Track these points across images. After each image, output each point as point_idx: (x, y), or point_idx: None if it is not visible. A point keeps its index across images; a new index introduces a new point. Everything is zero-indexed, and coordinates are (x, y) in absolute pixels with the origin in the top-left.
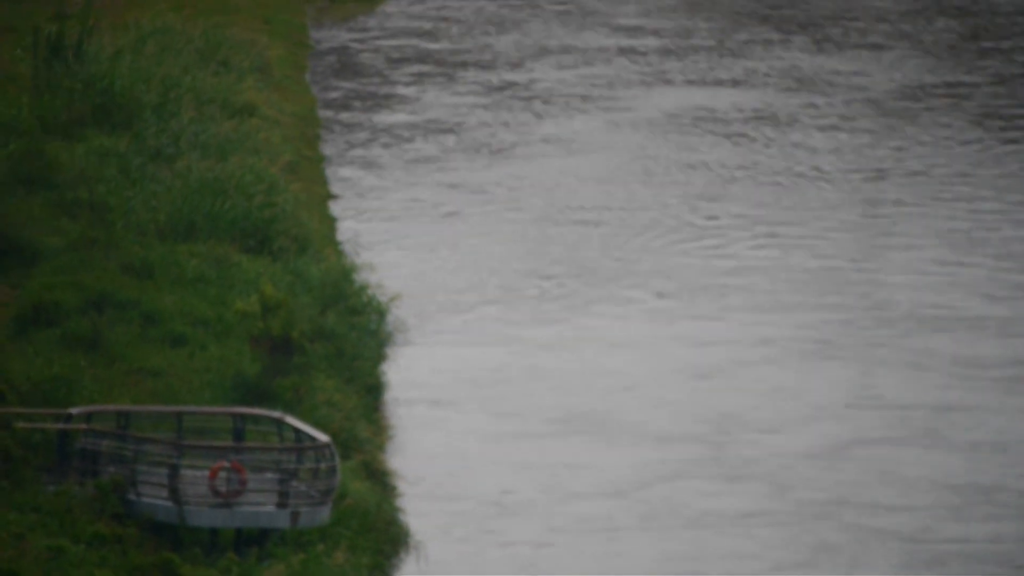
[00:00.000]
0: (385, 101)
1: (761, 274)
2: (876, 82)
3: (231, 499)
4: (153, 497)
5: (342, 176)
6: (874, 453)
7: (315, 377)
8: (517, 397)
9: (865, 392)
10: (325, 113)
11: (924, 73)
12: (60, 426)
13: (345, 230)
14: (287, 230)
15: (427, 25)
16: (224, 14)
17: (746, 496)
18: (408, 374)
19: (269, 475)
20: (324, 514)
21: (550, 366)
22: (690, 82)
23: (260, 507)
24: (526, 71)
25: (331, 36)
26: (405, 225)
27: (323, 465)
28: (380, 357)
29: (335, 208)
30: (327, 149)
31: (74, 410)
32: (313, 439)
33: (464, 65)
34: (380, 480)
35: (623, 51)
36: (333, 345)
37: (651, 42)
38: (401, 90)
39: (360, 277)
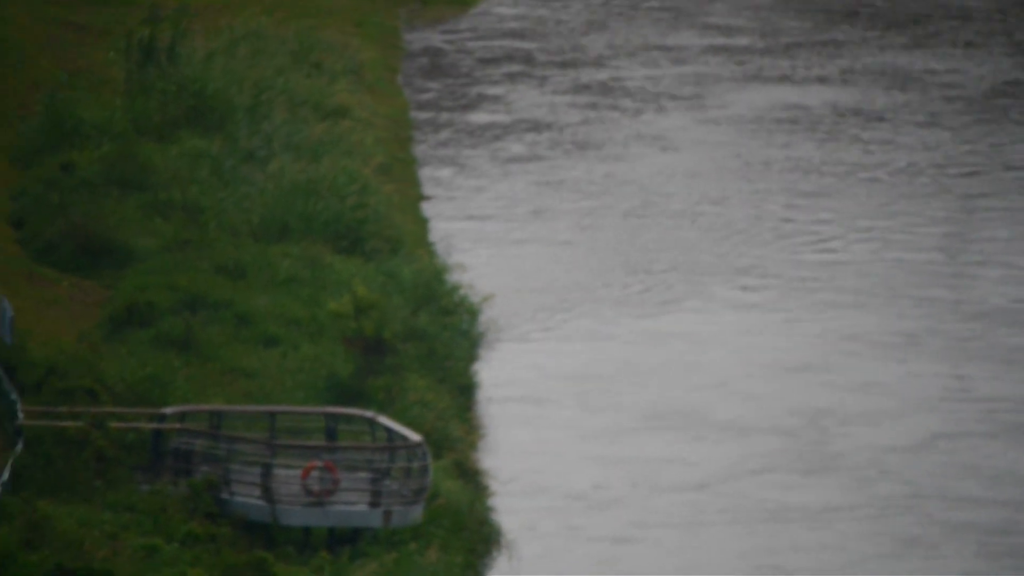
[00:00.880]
0: (476, 101)
1: (853, 269)
2: (970, 79)
3: (324, 498)
4: (246, 496)
5: (434, 177)
6: (960, 446)
7: (407, 377)
8: (608, 393)
9: (954, 386)
10: (417, 115)
11: (1018, 71)
12: (154, 426)
13: (437, 230)
14: (379, 231)
15: (518, 26)
16: (316, 17)
17: (831, 490)
18: (500, 372)
19: (361, 474)
20: (416, 513)
21: (641, 362)
22: (782, 79)
23: (352, 506)
24: (617, 69)
25: (423, 38)
26: (497, 224)
27: (415, 464)
28: (472, 357)
29: (427, 209)
30: (419, 150)
31: (168, 410)
32: (405, 438)
33: (555, 64)
34: (472, 479)
35: (714, 49)
36: (425, 345)
37: (742, 40)
38: (492, 90)
39: (452, 277)
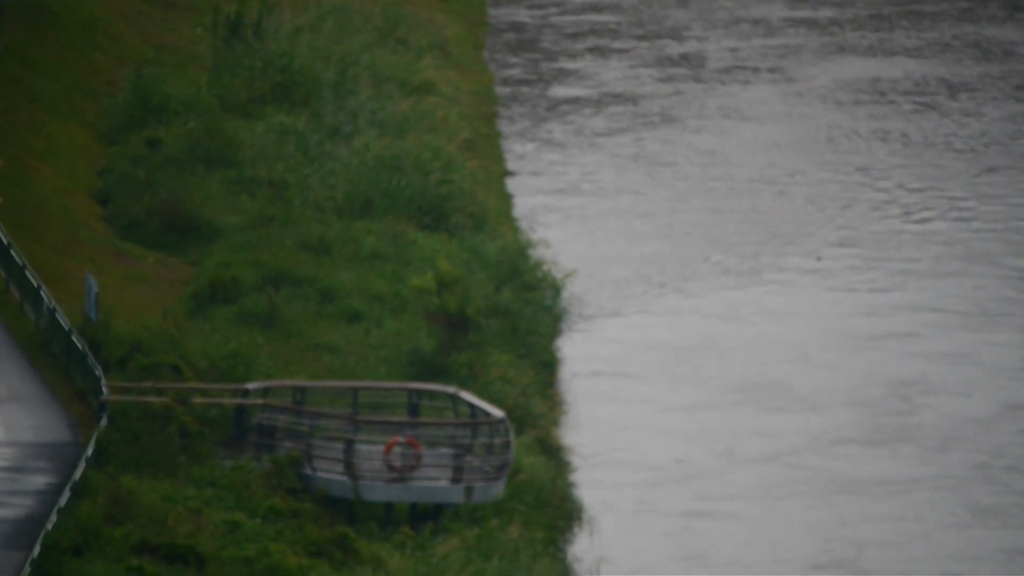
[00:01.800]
0: (561, 76)
1: (937, 240)
2: None
3: (406, 474)
4: (328, 472)
5: (519, 152)
6: None
7: (490, 353)
8: (690, 367)
9: None
10: (502, 90)
11: None
12: (237, 401)
13: (521, 206)
14: (463, 207)
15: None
16: None
17: (909, 460)
18: (583, 348)
19: (444, 450)
20: (498, 489)
21: (725, 336)
22: (868, 51)
23: (434, 482)
24: (701, 42)
25: (508, 13)
26: (580, 199)
27: (497, 440)
28: (554, 332)
29: (511, 185)
30: (504, 126)
31: (251, 385)
32: (488, 414)
33: (639, 37)
34: (554, 455)
35: (799, 21)
36: (508, 321)
37: (828, 12)
38: (577, 65)
39: (535, 253)
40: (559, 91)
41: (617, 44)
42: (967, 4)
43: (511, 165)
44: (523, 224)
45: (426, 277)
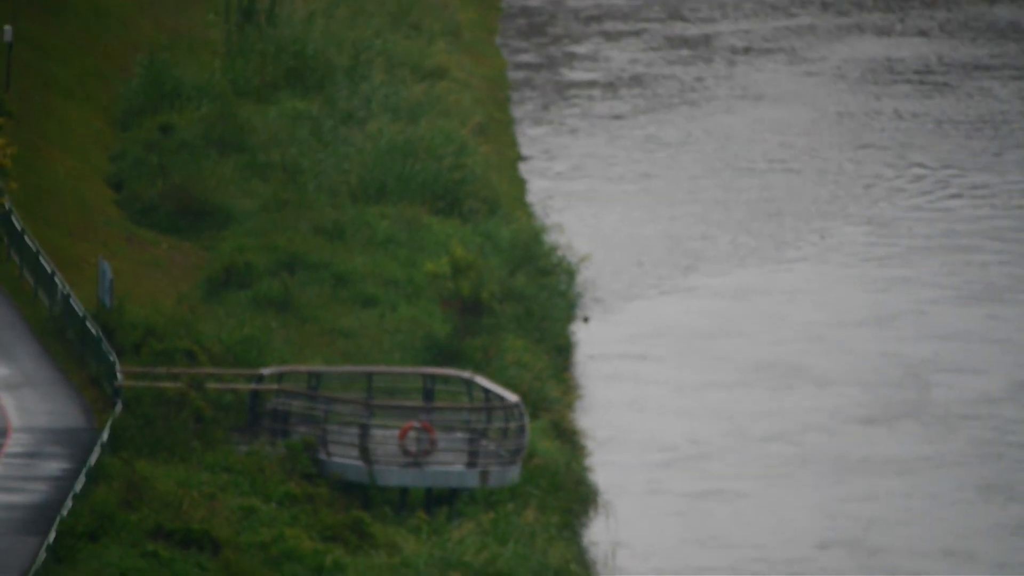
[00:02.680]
0: (574, 60)
1: (948, 219)
2: None
3: (421, 458)
4: (343, 457)
5: (532, 136)
6: None
7: (504, 337)
8: (706, 348)
9: None
10: (515, 75)
11: None
12: (252, 387)
13: (535, 191)
14: (477, 192)
15: None
16: None
17: (919, 438)
18: (597, 331)
19: (459, 435)
20: (513, 473)
21: (738, 316)
22: (880, 32)
23: (450, 466)
24: (712, 24)
25: None
26: (594, 183)
27: (512, 424)
28: (569, 317)
29: (525, 169)
30: (517, 111)
31: (265, 370)
32: (502, 399)
33: (652, 20)
34: (569, 439)
35: (809, 2)
36: (523, 306)
37: None
38: (590, 49)
39: (550, 238)
40: (571, 75)
41: (629, 27)
42: None
43: (524, 149)
44: (537, 208)
45: (440, 262)
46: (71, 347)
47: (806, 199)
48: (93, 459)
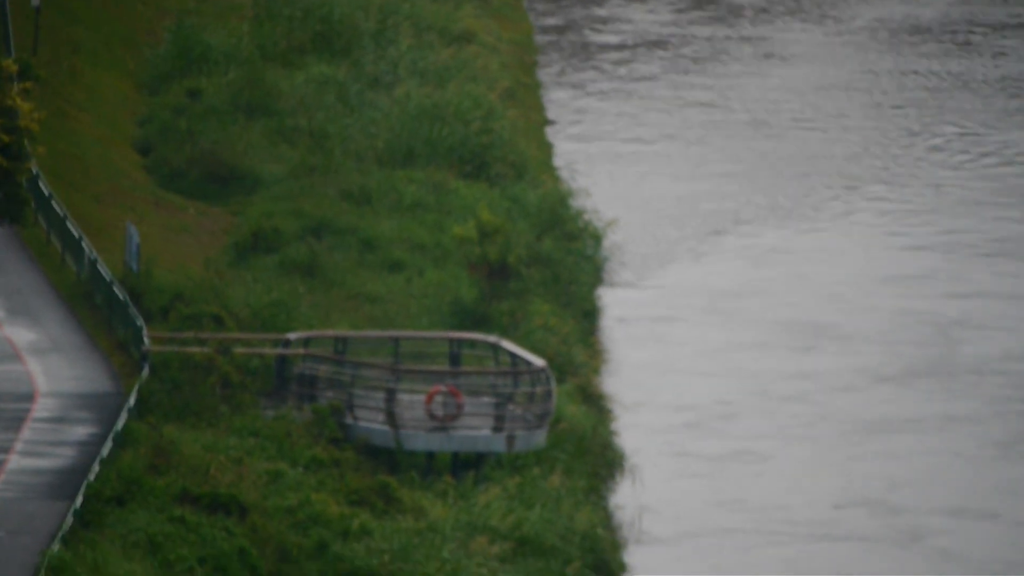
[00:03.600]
0: (601, 24)
1: (977, 177)
2: None
3: (447, 423)
4: (370, 421)
5: (559, 101)
6: None
7: (531, 302)
8: (732, 310)
9: None
10: (542, 39)
11: None
12: (279, 351)
13: (562, 155)
14: (504, 156)
15: None
16: None
17: (942, 395)
18: (624, 295)
19: (485, 399)
20: (540, 438)
21: (765, 277)
22: None
23: (476, 431)
24: None
25: None
26: (621, 146)
27: (539, 389)
28: (596, 281)
29: (551, 133)
30: (544, 75)
31: (292, 335)
32: (529, 363)
33: None
34: (596, 403)
35: None
36: (550, 270)
37: None
38: (617, 12)
39: (577, 202)
40: (598, 38)
41: None
42: None
43: (551, 114)
44: (563, 173)
45: (467, 226)
46: (98, 312)
47: (833, 160)
48: (120, 424)
